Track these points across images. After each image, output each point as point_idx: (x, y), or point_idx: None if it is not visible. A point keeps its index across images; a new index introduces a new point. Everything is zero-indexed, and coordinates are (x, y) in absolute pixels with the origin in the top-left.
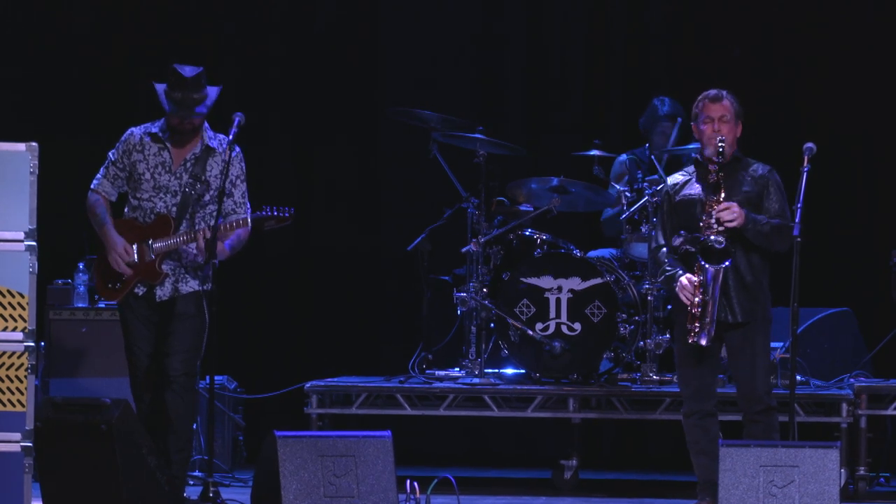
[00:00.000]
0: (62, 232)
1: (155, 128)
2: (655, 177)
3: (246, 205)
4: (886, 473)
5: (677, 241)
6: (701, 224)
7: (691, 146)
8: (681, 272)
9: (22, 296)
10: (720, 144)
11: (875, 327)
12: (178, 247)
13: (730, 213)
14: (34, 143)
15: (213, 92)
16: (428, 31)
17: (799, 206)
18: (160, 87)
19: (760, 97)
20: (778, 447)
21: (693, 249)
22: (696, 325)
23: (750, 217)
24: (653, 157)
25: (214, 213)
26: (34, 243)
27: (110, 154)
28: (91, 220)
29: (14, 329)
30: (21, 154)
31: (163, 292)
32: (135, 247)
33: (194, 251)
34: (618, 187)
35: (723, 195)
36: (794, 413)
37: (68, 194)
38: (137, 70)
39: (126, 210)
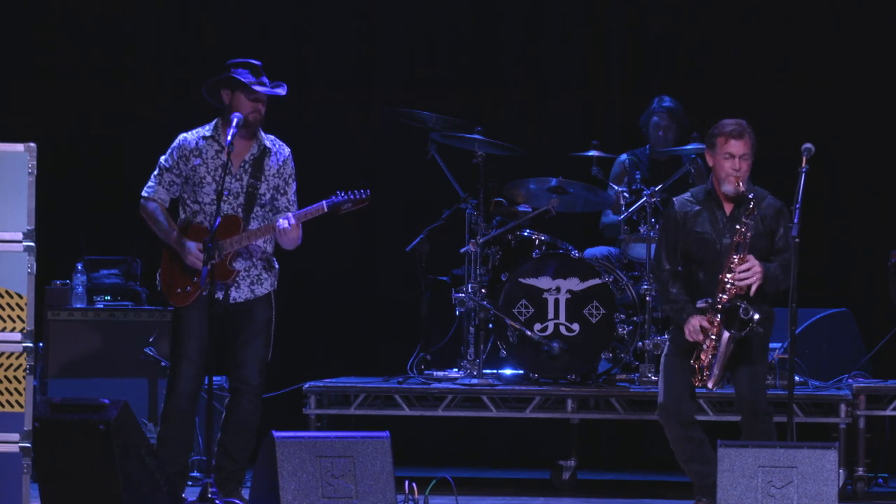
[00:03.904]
0: (60, 233)
1: (208, 130)
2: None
3: (296, 201)
4: (885, 474)
5: (701, 305)
6: (725, 281)
7: (690, 147)
8: (691, 308)
9: (20, 296)
10: (741, 188)
11: (874, 328)
12: (248, 244)
13: (750, 276)
14: (32, 144)
15: (278, 85)
16: (426, 31)
17: (797, 206)
18: (242, 75)
19: (760, 97)
20: (776, 448)
21: (717, 315)
22: (706, 372)
23: (767, 271)
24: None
25: (270, 211)
26: (32, 244)
27: (163, 161)
28: (154, 228)
29: (12, 329)
30: (19, 155)
31: (238, 294)
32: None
33: (263, 245)
34: (616, 188)
35: (746, 253)
36: (793, 414)
37: (67, 195)
38: (139, 71)
39: (182, 214)
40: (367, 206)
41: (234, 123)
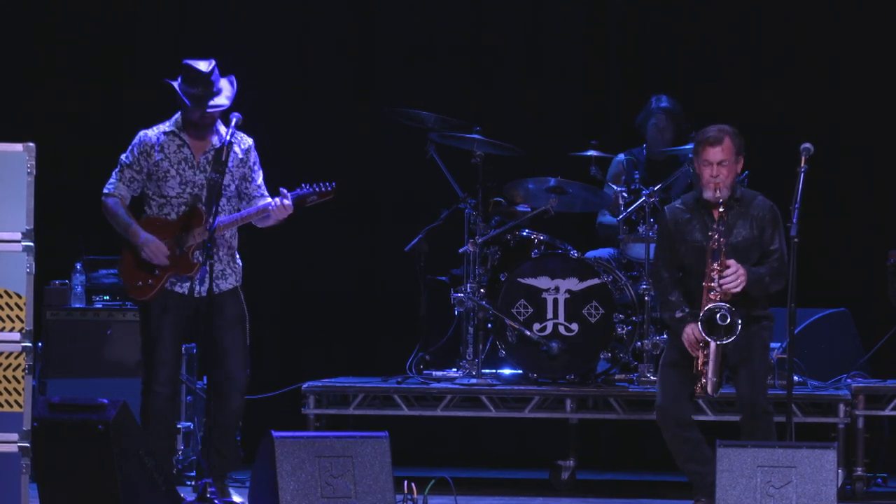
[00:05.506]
0: (59, 232)
1: (168, 126)
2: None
3: (264, 186)
4: (884, 474)
5: (679, 315)
6: (709, 289)
7: (688, 146)
8: (689, 317)
9: (19, 296)
10: (718, 195)
11: (872, 328)
12: (210, 236)
13: (734, 280)
14: (31, 144)
15: (228, 84)
16: (425, 30)
17: (796, 206)
18: (176, 84)
19: (758, 97)
20: (775, 448)
21: (697, 322)
22: (703, 379)
23: (751, 275)
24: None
25: (237, 203)
26: (31, 244)
27: (123, 158)
28: (112, 222)
29: (11, 329)
30: (18, 154)
31: (202, 288)
32: (164, 242)
33: (228, 239)
34: (615, 188)
35: (725, 260)
36: (792, 414)
37: (65, 195)
38: (139, 71)
39: (147, 209)
40: (333, 199)
41: (233, 123)
